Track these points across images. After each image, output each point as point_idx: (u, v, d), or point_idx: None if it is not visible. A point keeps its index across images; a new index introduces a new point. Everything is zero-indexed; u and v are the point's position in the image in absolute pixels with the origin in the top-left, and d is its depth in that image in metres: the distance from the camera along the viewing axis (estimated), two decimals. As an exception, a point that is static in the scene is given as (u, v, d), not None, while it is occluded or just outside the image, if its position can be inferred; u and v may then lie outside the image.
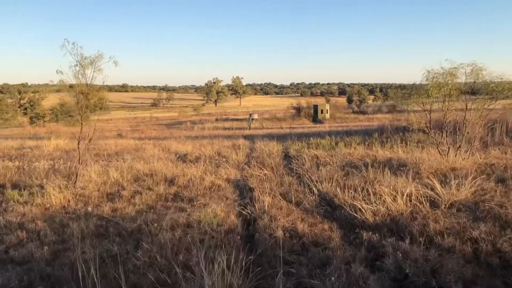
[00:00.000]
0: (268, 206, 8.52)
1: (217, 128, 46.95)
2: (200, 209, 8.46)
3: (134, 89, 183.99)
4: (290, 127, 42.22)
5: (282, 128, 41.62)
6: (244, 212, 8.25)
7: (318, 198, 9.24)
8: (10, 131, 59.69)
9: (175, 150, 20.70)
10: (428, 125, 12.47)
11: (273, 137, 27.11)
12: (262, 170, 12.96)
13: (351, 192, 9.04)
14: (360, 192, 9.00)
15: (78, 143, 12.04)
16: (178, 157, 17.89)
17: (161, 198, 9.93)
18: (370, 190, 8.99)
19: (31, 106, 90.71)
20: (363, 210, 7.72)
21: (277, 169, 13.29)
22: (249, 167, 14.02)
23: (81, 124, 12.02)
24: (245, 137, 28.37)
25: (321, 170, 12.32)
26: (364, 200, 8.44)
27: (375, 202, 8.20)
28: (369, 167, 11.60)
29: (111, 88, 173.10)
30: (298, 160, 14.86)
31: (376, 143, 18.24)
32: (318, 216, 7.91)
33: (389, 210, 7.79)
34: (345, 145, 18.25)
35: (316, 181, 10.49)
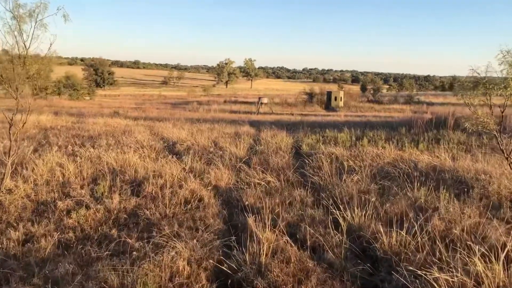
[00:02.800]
0: (267, 253, 5.05)
1: (224, 111, 43.45)
2: (157, 251, 5.03)
3: (146, 66, 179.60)
4: (302, 114, 38.58)
5: (292, 114, 37.99)
6: (224, 268, 4.78)
7: (348, 239, 5.70)
8: (11, 102, 56.68)
9: (166, 135, 17.23)
10: (498, 127, 8.81)
11: (282, 125, 23.57)
12: (265, 174, 9.47)
13: (401, 234, 5.51)
14: (418, 235, 5.46)
15: (10, 128, 8.61)
16: (166, 146, 14.46)
17: (107, 220, 6.48)
18: (432, 233, 5.47)
19: (40, 77, 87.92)
20: (435, 284, 4.23)
21: (285, 173, 9.78)
22: (249, 167, 10.54)
23: (17, 100, 8.55)
24: (251, 123, 24.83)
25: (345, 180, 8.78)
26: (431, 258, 4.92)
27: (447, 262, 4.70)
28: (415, 182, 8.04)
29: (122, 64, 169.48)
30: (312, 160, 11.30)
31: (407, 142, 14.60)
32: (353, 289, 4.42)
33: (480, 286, 4.28)
34: (368, 142, 14.65)
35: (341, 202, 6.98)
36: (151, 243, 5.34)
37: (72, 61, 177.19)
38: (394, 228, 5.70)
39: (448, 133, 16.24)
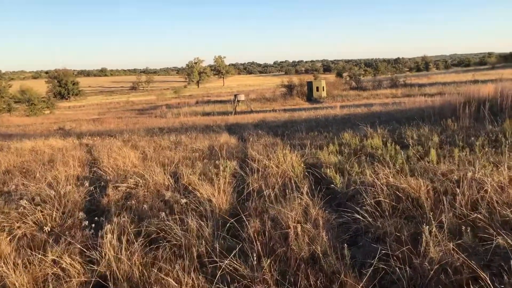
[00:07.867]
0: None
1: (196, 114, 37.05)
2: None
3: (114, 73, 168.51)
4: (285, 110, 32.67)
5: (275, 111, 32.00)
6: None
7: None
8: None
9: (106, 164, 10.77)
10: None
11: (270, 127, 17.52)
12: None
13: None
14: None
15: None
16: (89, 194, 8.11)
17: None
18: None
19: (-2, 94, 79.54)
20: None
21: (340, 285, 3.66)
22: (245, 261, 4.37)
23: None
24: (230, 128, 18.66)
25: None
26: None
27: None
28: None
29: (89, 73, 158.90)
30: (367, 212, 5.23)
31: (487, 147, 8.74)
32: None
33: None
34: (421, 147, 8.69)
35: None
36: None
37: (36, 75, 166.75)
38: None
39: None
